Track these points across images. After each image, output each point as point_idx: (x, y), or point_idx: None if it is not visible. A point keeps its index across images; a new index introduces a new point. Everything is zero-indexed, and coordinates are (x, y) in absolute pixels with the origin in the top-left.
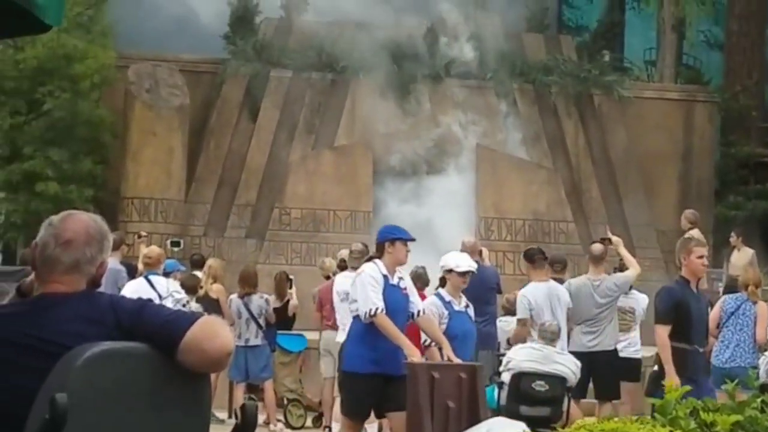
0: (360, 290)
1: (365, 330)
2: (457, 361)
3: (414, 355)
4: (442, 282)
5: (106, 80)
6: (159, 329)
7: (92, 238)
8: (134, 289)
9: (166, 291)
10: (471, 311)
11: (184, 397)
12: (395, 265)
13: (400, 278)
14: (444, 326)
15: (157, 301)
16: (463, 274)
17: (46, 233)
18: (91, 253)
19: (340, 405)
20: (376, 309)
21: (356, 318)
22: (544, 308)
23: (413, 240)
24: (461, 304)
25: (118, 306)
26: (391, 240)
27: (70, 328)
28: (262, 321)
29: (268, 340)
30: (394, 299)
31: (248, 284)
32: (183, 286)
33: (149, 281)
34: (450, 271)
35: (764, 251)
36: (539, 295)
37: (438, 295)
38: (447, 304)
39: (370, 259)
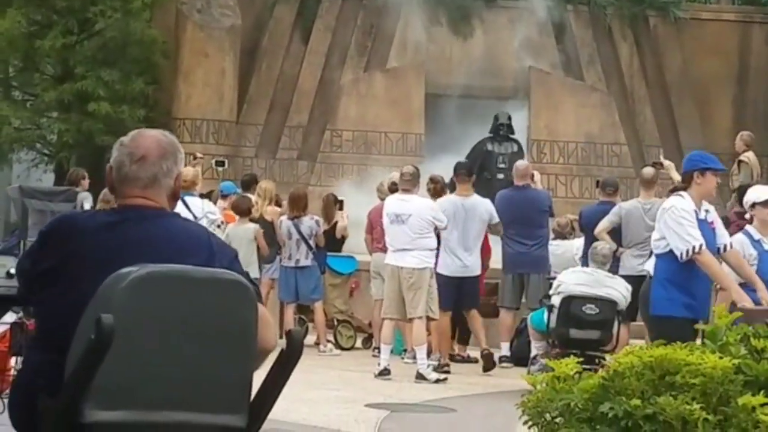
0: (674, 226)
1: (678, 271)
2: None
3: (744, 300)
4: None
5: (158, 0)
6: None
7: (166, 152)
8: None
9: (201, 212)
10: None
11: (230, 325)
12: (703, 197)
13: (707, 211)
14: (754, 267)
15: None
16: None
17: (120, 153)
18: (168, 166)
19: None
20: (700, 246)
21: (662, 257)
22: (451, 222)
23: (724, 170)
24: None
25: (216, 244)
26: (702, 170)
27: (160, 246)
28: (312, 242)
29: (318, 261)
30: (704, 235)
31: (298, 206)
32: (235, 209)
33: (184, 202)
34: (754, 205)
35: None
36: (448, 208)
37: (746, 232)
38: (756, 243)
39: (674, 190)
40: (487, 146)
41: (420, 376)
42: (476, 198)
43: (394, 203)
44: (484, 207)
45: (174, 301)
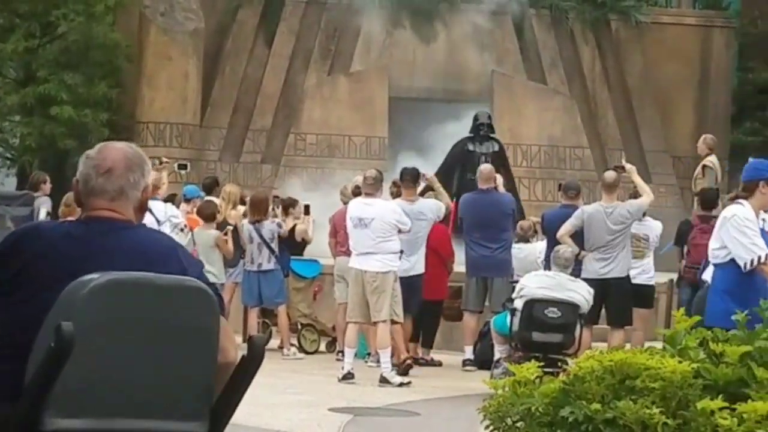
0: (737, 235)
1: (737, 281)
2: None
3: None
4: None
5: (121, 3)
6: None
7: (133, 164)
8: None
9: (164, 216)
10: None
11: (192, 331)
12: (763, 207)
13: (764, 220)
14: None
15: (155, 226)
16: None
17: (86, 166)
18: (134, 178)
19: None
20: (766, 255)
21: (722, 267)
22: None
23: None
24: None
25: (185, 256)
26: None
27: (128, 258)
28: (274, 246)
29: (282, 265)
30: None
31: (259, 210)
32: (200, 213)
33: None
34: None
35: None
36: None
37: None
38: None
39: (735, 198)
40: (468, 146)
41: (384, 380)
42: (422, 202)
43: (358, 207)
44: (428, 208)
45: (136, 308)
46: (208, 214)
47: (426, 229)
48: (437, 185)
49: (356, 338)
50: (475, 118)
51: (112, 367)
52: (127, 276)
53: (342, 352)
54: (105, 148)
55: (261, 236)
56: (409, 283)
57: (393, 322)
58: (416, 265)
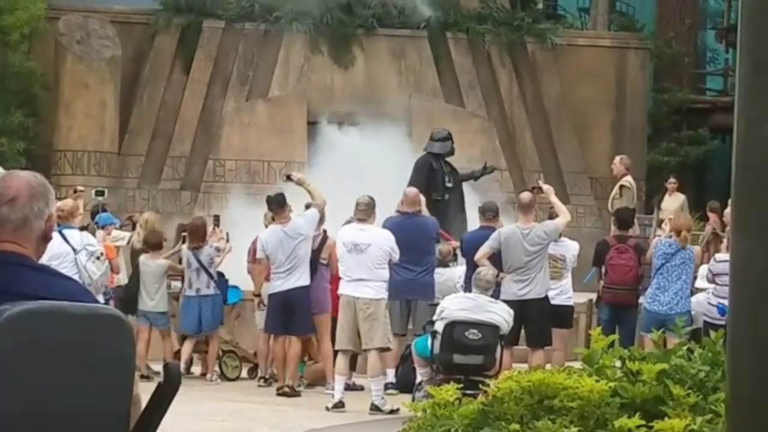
0: None
1: None
2: None
3: None
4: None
5: (37, 32)
6: None
7: (37, 192)
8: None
9: (80, 244)
10: None
11: (107, 359)
12: None
13: None
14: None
15: (71, 255)
16: None
17: None
18: (39, 208)
19: None
20: None
21: None
22: (278, 250)
23: None
24: None
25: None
26: None
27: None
28: (213, 271)
29: (221, 290)
30: None
31: (197, 237)
32: (146, 243)
33: (62, 235)
34: None
35: (695, 197)
36: (272, 237)
37: None
38: None
39: None
40: (432, 164)
41: (375, 408)
42: (294, 221)
43: (352, 233)
44: (302, 227)
45: (50, 337)
46: (154, 243)
47: (306, 246)
48: (307, 184)
49: (346, 366)
50: (437, 138)
51: (26, 397)
52: (41, 305)
53: (264, 378)
54: (9, 176)
55: (199, 261)
56: (285, 298)
57: (383, 349)
58: (298, 281)
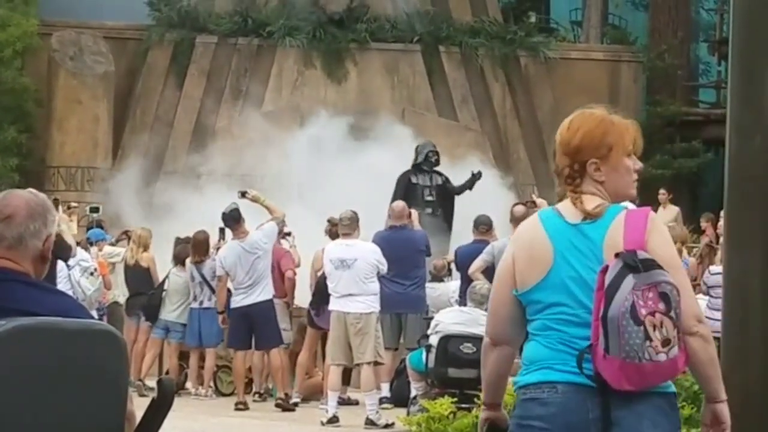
0: None
1: None
2: None
3: None
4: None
5: (29, 48)
6: None
7: (34, 212)
8: None
9: (73, 260)
10: None
11: (101, 375)
12: None
13: None
14: None
15: (64, 270)
16: None
17: None
18: (35, 227)
19: None
20: None
21: None
22: (237, 266)
23: None
24: None
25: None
26: None
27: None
28: (214, 284)
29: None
30: None
31: (200, 251)
32: (177, 258)
33: None
34: None
35: (689, 209)
36: (230, 254)
37: None
38: None
39: None
40: (411, 179)
41: (370, 422)
42: (252, 236)
43: (338, 249)
44: (260, 239)
45: (44, 353)
46: (183, 258)
47: (266, 261)
48: (262, 200)
49: (339, 381)
50: (419, 151)
51: (20, 413)
52: (34, 321)
53: (259, 393)
54: (9, 195)
55: (202, 275)
56: (247, 313)
57: (376, 363)
58: (260, 296)
